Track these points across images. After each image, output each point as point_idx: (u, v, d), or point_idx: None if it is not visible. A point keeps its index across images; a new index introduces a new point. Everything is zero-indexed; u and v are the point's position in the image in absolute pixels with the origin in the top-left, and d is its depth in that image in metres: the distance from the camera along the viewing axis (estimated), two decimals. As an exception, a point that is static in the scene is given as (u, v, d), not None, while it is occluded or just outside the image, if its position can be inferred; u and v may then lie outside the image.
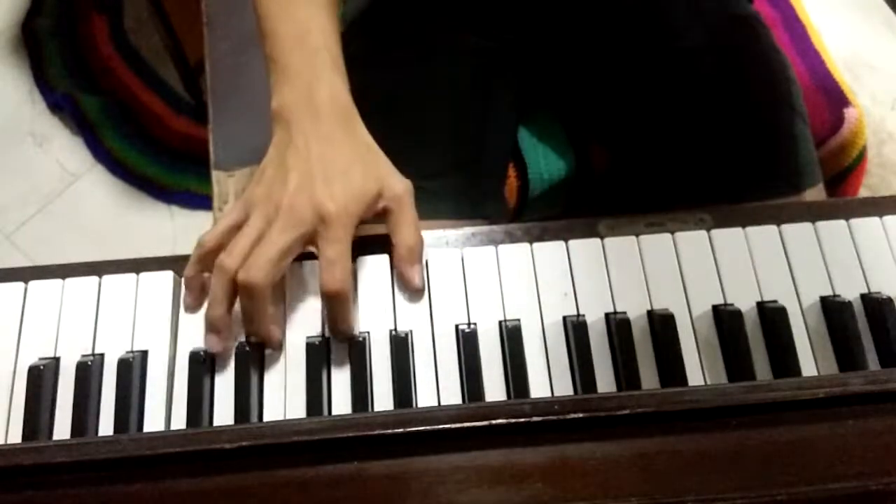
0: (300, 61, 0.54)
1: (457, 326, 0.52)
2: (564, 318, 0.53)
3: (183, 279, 0.53)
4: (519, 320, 0.52)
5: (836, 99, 0.85)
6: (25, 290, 0.54)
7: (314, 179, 0.51)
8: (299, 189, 0.51)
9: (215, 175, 0.90)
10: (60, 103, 1.51)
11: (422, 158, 0.69)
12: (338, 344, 0.52)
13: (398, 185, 0.54)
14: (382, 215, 0.54)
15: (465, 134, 0.72)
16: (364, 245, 0.55)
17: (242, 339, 0.52)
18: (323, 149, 0.52)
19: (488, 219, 0.70)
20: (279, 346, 0.52)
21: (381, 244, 0.55)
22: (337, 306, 0.51)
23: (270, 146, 0.54)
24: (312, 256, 0.55)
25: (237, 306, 0.51)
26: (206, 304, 0.52)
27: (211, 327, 0.51)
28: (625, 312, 0.53)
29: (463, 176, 0.71)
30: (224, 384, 0.51)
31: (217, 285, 0.50)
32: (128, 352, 0.52)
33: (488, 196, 0.73)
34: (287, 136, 0.53)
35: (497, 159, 0.77)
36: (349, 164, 0.52)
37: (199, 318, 0.53)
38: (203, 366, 0.51)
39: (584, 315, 0.53)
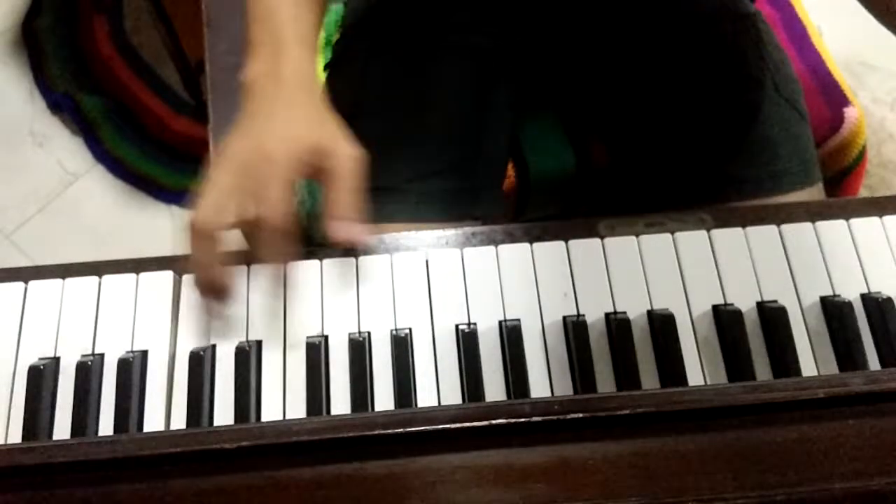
0: (268, 37, 0.56)
1: (457, 326, 0.52)
2: (564, 318, 0.53)
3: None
4: (519, 320, 0.52)
5: (836, 99, 0.85)
6: (25, 290, 0.54)
7: (264, 125, 0.53)
8: (248, 134, 0.53)
9: (215, 175, 0.90)
10: (60, 103, 1.51)
11: (419, 157, 0.69)
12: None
13: (348, 149, 0.54)
14: (327, 177, 0.54)
15: (463, 134, 0.72)
16: (363, 247, 0.56)
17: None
18: (283, 110, 0.54)
19: (485, 219, 0.70)
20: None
21: (380, 245, 0.56)
22: (270, 237, 0.50)
23: (240, 116, 0.55)
24: (310, 257, 0.55)
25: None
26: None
27: (212, 290, 0.52)
28: (625, 312, 0.53)
29: (459, 176, 0.71)
30: (224, 384, 0.51)
31: (206, 242, 0.51)
32: (128, 352, 0.52)
33: (485, 196, 0.73)
34: (253, 106, 0.55)
35: (495, 159, 0.77)
36: (304, 117, 0.54)
37: (199, 318, 0.53)
38: (203, 366, 0.51)
39: (584, 315, 0.53)
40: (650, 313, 0.53)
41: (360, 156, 0.54)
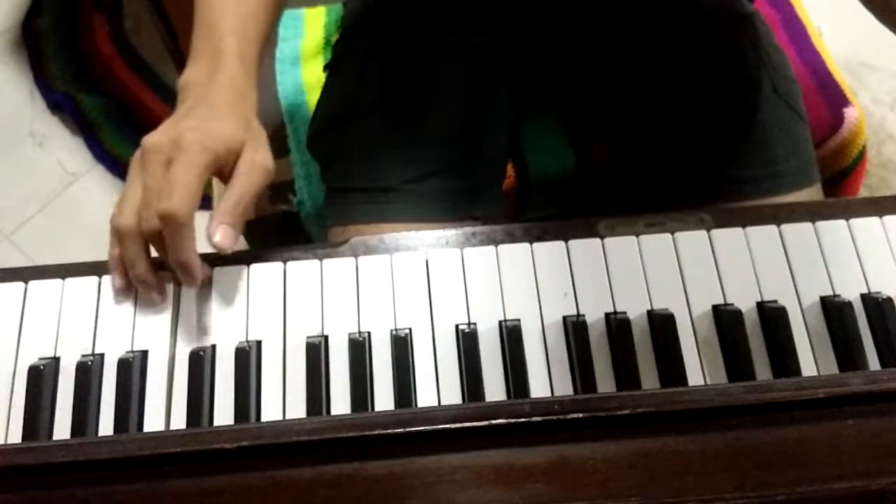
0: (208, 46, 0.57)
1: (457, 326, 0.52)
2: (564, 318, 0.53)
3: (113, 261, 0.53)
4: (519, 320, 0.52)
5: (836, 99, 0.85)
6: (25, 290, 0.54)
7: (185, 123, 0.52)
8: (165, 128, 0.52)
9: (215, 175, 0.90)
10: (60, 103, 1.51)
11: (419, 158, 0.69)
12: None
13: (263, 158, 0.54)
14: (231, 177, 0.53)
15: (463, 134, 0.72)
16: (363, 246, 0.56)
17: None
18: (204, 111, 0.54)
19: (485, 219, 0.70)
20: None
21: (380, 245, 0.56)
22: (167, 229, 0.50)
23: None
24: (311, 257, 0.55)
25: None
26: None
27: (147, 283, 0.52)
28: (625, 312, 0.53)
29: (459, 176, 0.71)
30: (224, 384, 0.51)
31: (129, 244, 0.51)
32: (128, 352, 0.52)
33: (485, 196, 0.73)
34: (181, 110, 0.55)
35: (494, 159, 0.77)
36: (222, 119, 0.53)
37: (199, 318, 0.53)
38: (203, 366, 0.51)
39: (584, 315, 0.53)
40: (650, 313, 0.53)
41: (271, 170, 0.54)
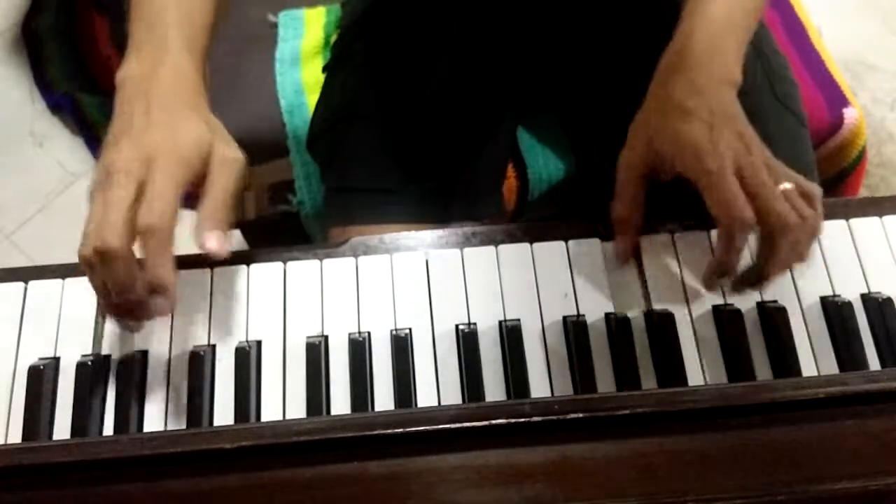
0: (151, 38, 0.53)
1: (457, 326, 0.52)
2: (564, 318, 0.53)
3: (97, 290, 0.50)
4: (519, 320, 0.52)
5: (835, 99, 0.85)
6: (25, 290, 0.54)
7: (144, 132, 0.49)
8: (130, 145, 0.49)
9: (215, 175, 0.90)
10: (60, 103, 1.51)
11: (417, 158, 0.69)
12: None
13: (231, 151, 0.51)
14: (206, 181, 0.50)
15: (462, 135, 0.72)
16: (363, 246, 0.56)
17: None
18: (161, 115, 0.50)
19: (484, 219, 0.70)
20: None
21: (380, 245, 0.56)
22: (150, 244, 0.47)
23: (112, 123, 0.52)
24: (311, 257, 0.55)
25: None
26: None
27: (161, 285, 0.48)
28: (625, 312, 0.53)
29: (459, 176, 0.71)
30: (224, 384, 0.51)
31: (122, 263, 0.47)
32: (128, 352, 0.52)
33: (484, 197, 0.73)
34: (128, 111, 0.51)
35: (494, 160, 0.76)
36: (185, 123, 0.51)
37: (198, 318, 0.53)
38: (203, 366, 0.51)
39: (584, 315, 0.53)
40: (650, 313, 0.53)
41: (242, 161, 0.52)
